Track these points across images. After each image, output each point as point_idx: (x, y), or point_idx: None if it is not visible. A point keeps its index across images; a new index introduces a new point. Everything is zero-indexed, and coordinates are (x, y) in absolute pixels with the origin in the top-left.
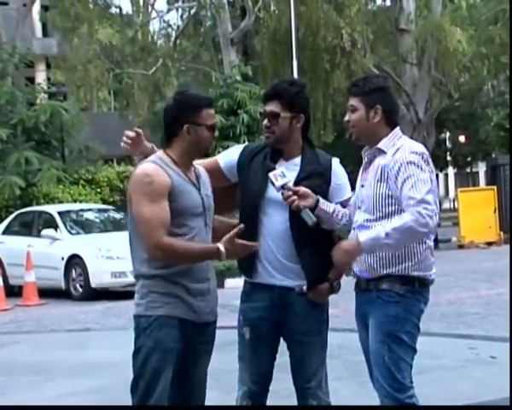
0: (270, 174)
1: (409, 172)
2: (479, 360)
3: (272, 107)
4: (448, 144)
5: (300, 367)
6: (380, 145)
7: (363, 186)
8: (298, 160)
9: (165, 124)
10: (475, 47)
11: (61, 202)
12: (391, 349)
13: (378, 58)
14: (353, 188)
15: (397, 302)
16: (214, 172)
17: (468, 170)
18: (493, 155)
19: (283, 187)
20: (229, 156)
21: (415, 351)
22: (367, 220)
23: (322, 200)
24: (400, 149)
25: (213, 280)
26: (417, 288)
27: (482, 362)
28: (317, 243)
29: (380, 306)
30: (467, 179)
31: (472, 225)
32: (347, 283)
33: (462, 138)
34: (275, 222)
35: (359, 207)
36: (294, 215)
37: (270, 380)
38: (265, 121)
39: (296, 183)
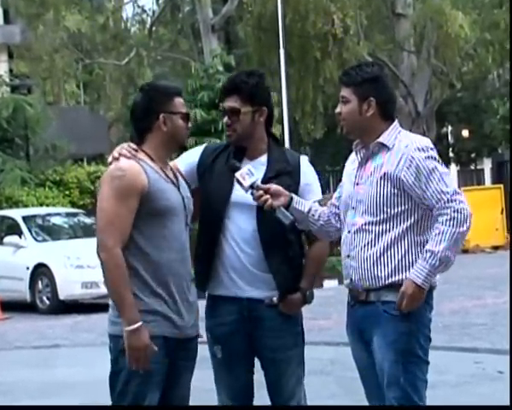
0: (237, 174)
1: (431, 166)
2: (485, 375)
3: (231, 102)
4: (450, 139)
5: (276, 388)
6: (381, 140)
7: (358, 184)
8: (264, 158)
9: (135, 120)
10: (479, 32)
11: (25, 205)
12: (406, 369)
13: (373, 45)
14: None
15: (406, 315)
16: None
17: (472, 167)
18: (499, 151)
19: (252, 186)
20: (188, 160)
21: (428, 363)
22: (368, 223)
23: (296, 198)
24: (410, 145)
25: (194, 290)
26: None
27: (488, 377)
28: (286, 249)
29: (387, 321)
30: (471, 177)
31: (477, 227)
32: (340, 292)
33: (465, 133)
34: (241, 227)
35: (353, 208)
36: (262, 218)
37: (252, 396)
38: (225, 119)
39: (263, 183)
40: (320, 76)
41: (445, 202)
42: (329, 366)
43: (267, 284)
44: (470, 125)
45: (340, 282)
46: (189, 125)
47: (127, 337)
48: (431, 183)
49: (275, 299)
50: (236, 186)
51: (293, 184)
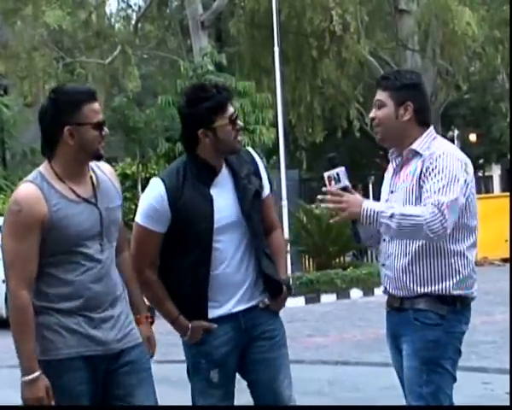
0: (325, 174)
1: (444, 171)
2: (494, 396)
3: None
4: (456, 144)
5: (271, 390)
6: (414, 146)
7: (392, 192)
8: (224, 170)
9: (42, 130)
10: (487, 30)
11: (1, 214)
12: (430, 379)
13: (374, 44)
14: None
15: (436, 325)
16: (158, 244)
17: (480, 174)
18: (509, 157)
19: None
20: (158, 212)
21: (455, 380)
22: None
23: (367, 205)
24: (437, 152)
25: (122, 302)
26: (459, 308)
27: (498, 399)
28: (265, 248)
29: (416, 329)
30: (479, 185)
31: (485, 238)
32: (338, 306)
33: (472, 137)
34: (234, 244)
35: None
36: (253, 230)
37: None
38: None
39: (241, 208)
40: (317, 76)
41: (431, 203)
42: (327, 386)
43: (257, 290)
44: (478, 129)
45: (339, 296)
46: (105, 131)
47: (22, 387)
48: (434, 184)
49: (266, 300)
50: (216, 209)
51: (259, 181)
